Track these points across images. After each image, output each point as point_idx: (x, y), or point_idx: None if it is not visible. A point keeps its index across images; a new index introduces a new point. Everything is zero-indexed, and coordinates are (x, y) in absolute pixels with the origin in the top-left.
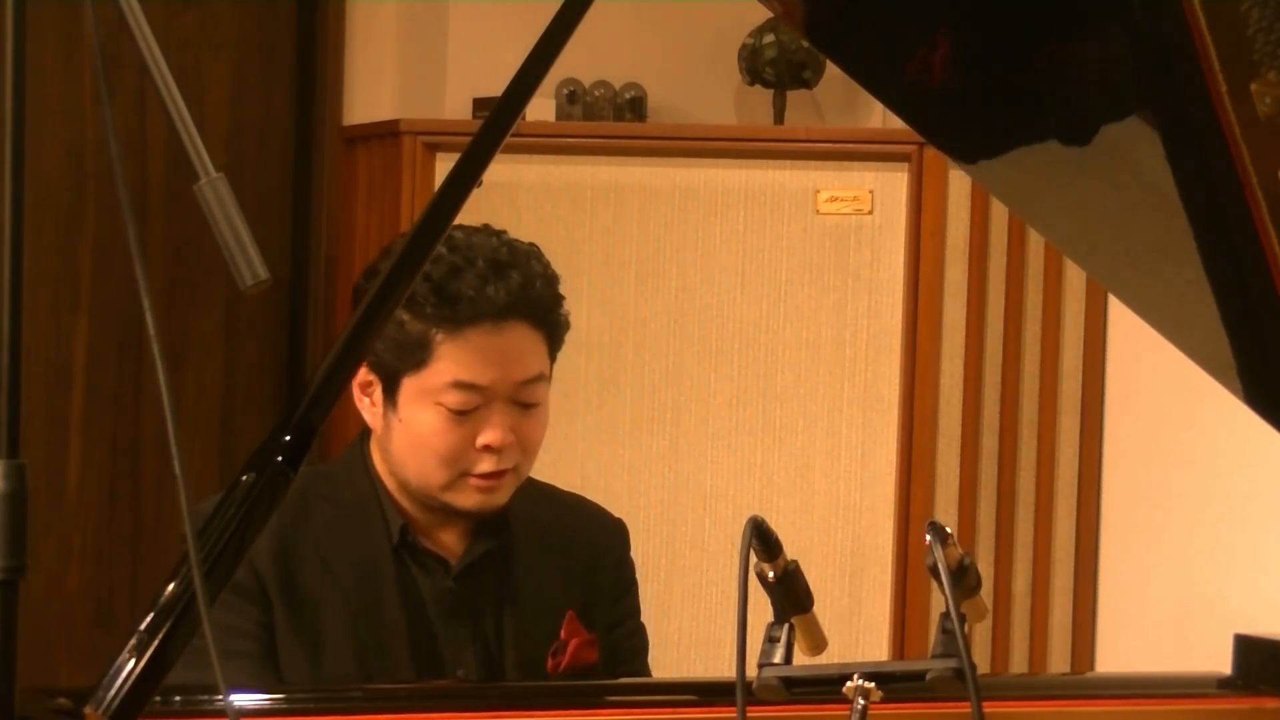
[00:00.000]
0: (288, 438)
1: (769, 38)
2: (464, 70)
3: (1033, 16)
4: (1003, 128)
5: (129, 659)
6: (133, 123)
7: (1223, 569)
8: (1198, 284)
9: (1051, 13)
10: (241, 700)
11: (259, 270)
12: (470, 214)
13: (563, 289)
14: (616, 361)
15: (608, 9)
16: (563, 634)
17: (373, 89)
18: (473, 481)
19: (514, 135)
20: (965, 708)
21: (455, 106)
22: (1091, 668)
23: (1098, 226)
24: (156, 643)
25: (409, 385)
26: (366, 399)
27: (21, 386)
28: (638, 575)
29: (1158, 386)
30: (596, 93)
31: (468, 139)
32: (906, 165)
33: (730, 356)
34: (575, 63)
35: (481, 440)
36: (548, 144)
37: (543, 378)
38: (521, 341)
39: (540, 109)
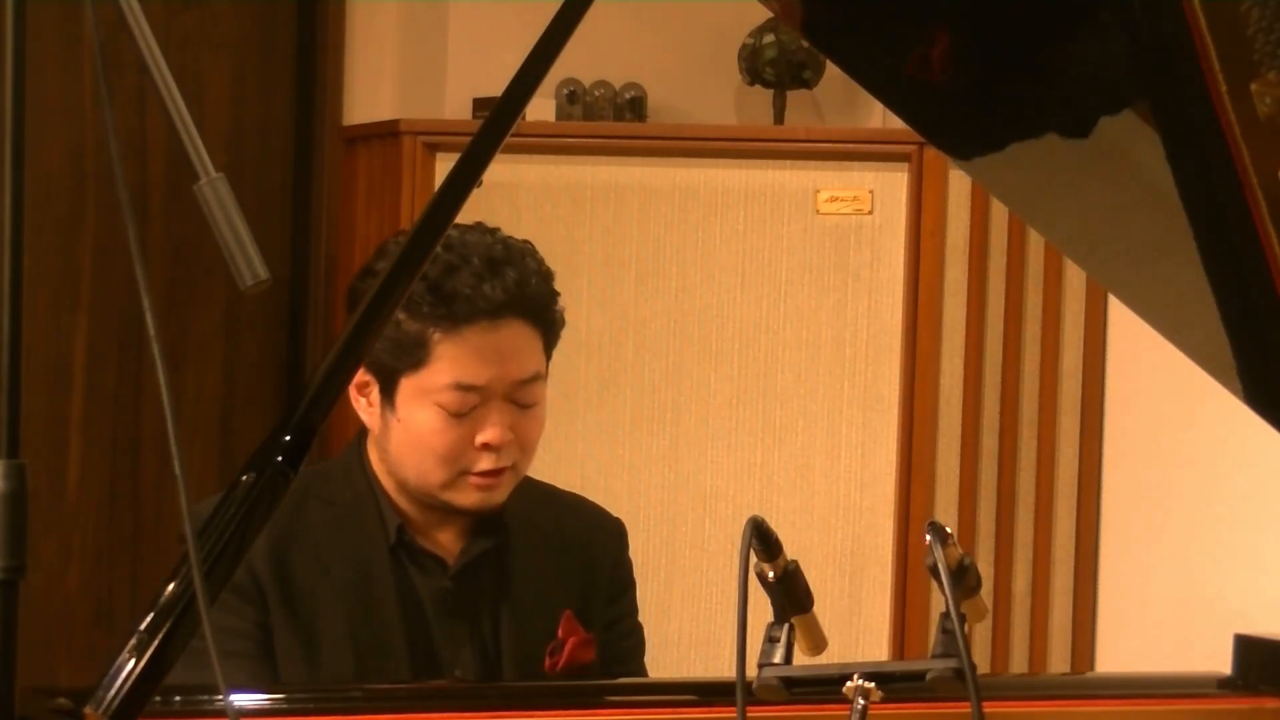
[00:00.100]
0: (288, 438)
1: (769, 38)
2: (464, 70)
3: (1032, 16)
4: (1002, 126)
5: (129, 659)
6: (133, 123)
7: (1223, 569)
8: (1198, 284)
9: (1051, 12)
10: (241, 700)
11: (259, 270)
12: (470, 214)
13: (563, 289)
14: (616, 361)
15: (608, 9)
16: (560, 633)
17: (373, 89)
18: (472, 480)
19: (514, 135)
20: (965, 708)
21: (455, 106)
22: (1091, 668)
23: (1098, 226)
24: (156, 643)
25: (407, 385)
26: (364, 399)
27: (21, 386)
28: (637, 575)
29: (1158, 386)
30: (596, 93)
31: (468, 139)
32: (906, 165)
33: (730, 356)
34: (575, 63)
35: (480, 439)
36: (548, 144)
37: (540, 375)
38: (518, 339)
39: (540, 109)
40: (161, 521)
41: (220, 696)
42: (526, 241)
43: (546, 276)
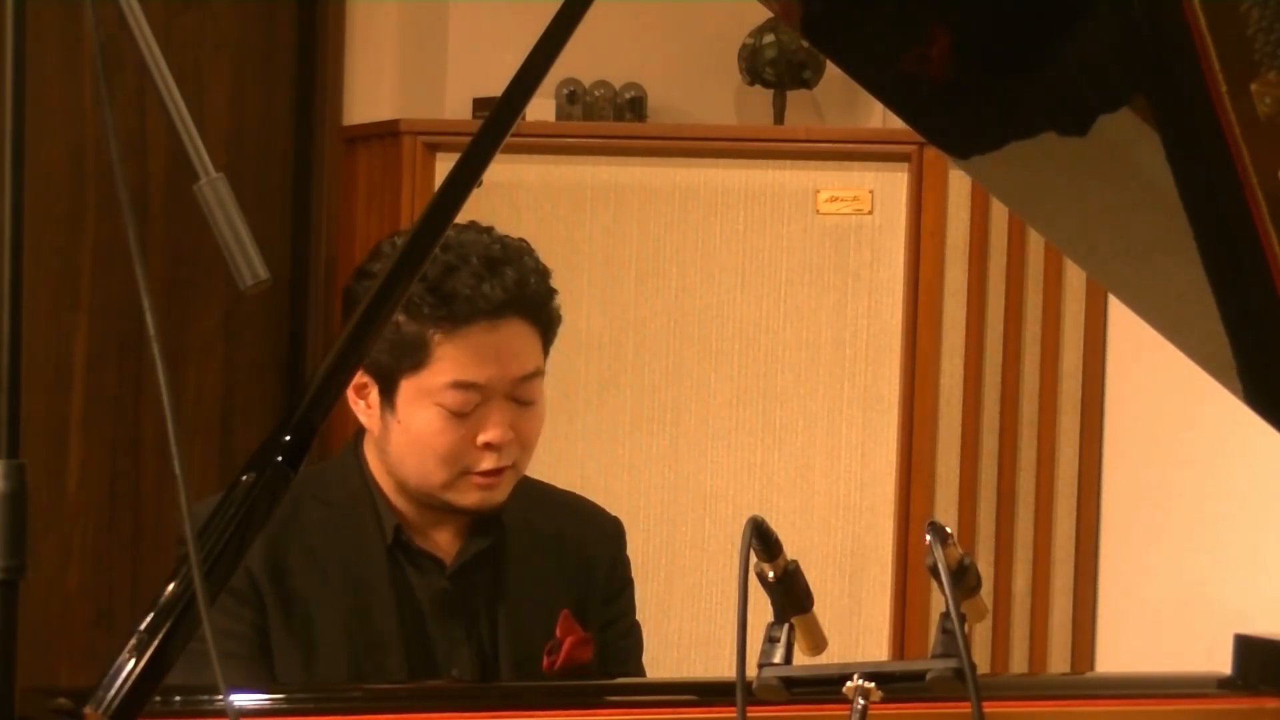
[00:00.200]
0: (288, 438)
1: (769, 38)
2: (464, 70)
3: (1031, 15)
4: (1001, 125)
5: (129, 659)
6: (133, 123)
7: (1223, 569)
8: (1198, 284)
9: (1051, 11)
10: (241, 700)
11: (259, 270)
12: (470, 214)
13: (562, 289)
14: (616, 361)
15: (608, 9)
16: (558, 633)
17: (373, 89)
18: (474, 480)
19: (514, 135)
20: (965, 708)
21: (455, 106)
22: (1091, 668)
23: (1098, 226)
24: (156, 643)
25: (407, 386)
26: (362, 401)
27: (21, 386)
28: (637, 575)
29: (1158, 386)
30: (596, 93)
31: (468, 139)
32: (906, 165)
33: (730, 356)
34: (575, 63)
35: (483, 438)
36: (548, 144)
37: (539, 372)
38: (518, 337)
39: (540, 109)
40: (161, 521)
41: (220, 696)
42: (522, 240)
43: (544, 274)
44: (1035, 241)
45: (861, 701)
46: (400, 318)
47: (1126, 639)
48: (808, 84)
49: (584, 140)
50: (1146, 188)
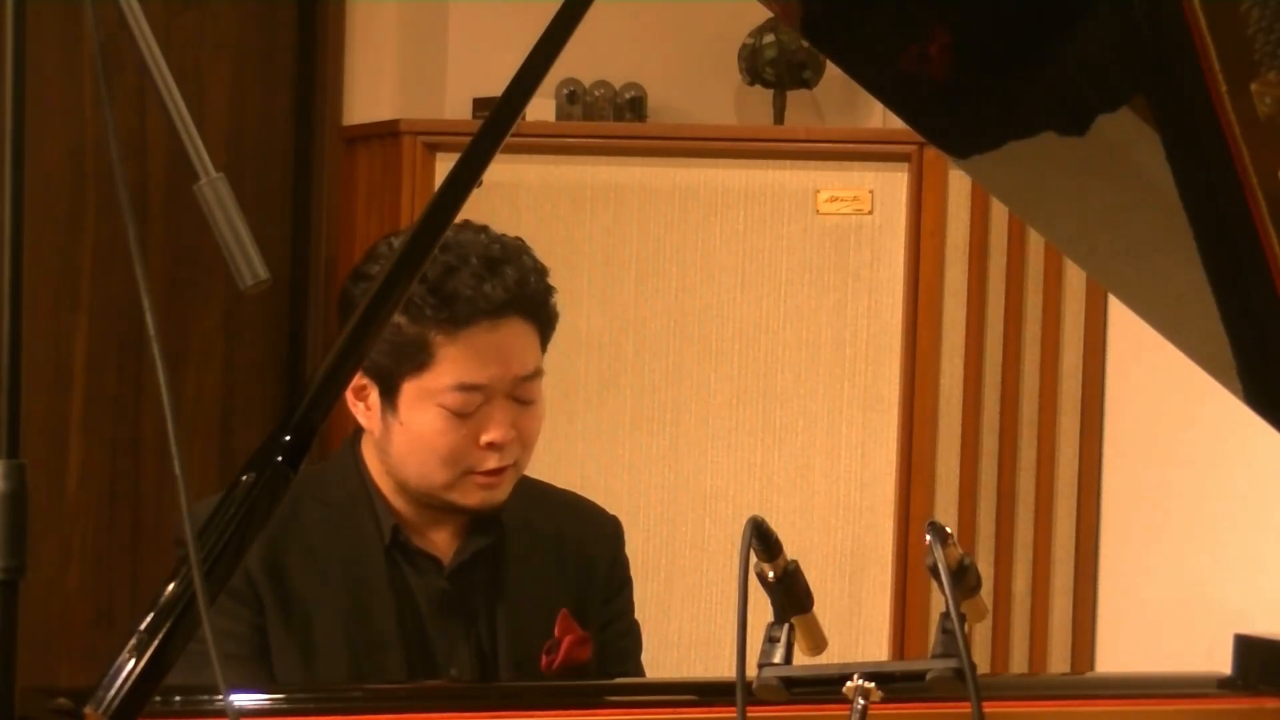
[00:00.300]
0: (288, 438)
1: (769, 38)
2: (464, 70)
3: (1031, 14)
4: (1001, 125)
5: (129, 659)
6: (133, 123)
7: (1223, 569)
8: (1198, 284)
9: (1050, 11)
10: (241, 700)
11: (259, 270)
12: (470, 214)
13: (562, 289)
14: (616, 361)
15: (608, 9)
16: (556, 632)
17: (373, 89)
18: (477, 479)
19: (514, 135)
20: (965, 708)
21: (455, 106)
22: (1091, 668)
23: (1098, 226)
24: (156, 643)
25: (409, 388)
26: (361, 404)
27: (21, 386)
28: (637, 575)
29: (1158, 386)
30: (596, 93)
31: (468, 139)
32: (906, 165)
33: (730, 356)
34: (575, 63)
35: (486, 438)
36: (548, 144)
37: (539, 371)
38: (518, 337)
39: (540, 109)
40: (161, 521)
41: (220, 696)
42: (518, 238)
43: (543, 273)
44: (1035, 241)
45: (861, 701)
46: (401, 319)
47: (1126, 639)
48: (808, 84)
49: (584, 140)
50: (1146, 188)
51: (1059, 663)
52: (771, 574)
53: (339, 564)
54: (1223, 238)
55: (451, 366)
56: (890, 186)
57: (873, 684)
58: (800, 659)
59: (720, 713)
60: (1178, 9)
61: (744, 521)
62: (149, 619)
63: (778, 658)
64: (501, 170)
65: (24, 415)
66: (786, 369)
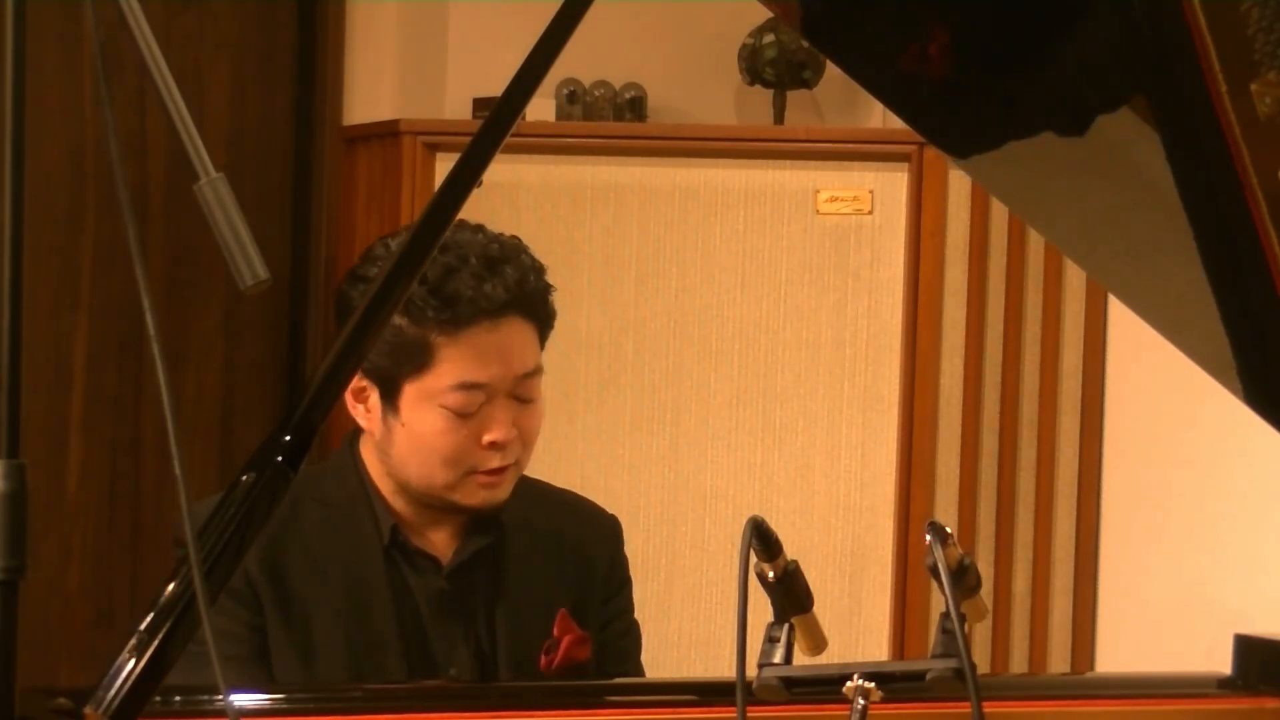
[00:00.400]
0: (288, 438)
1: (769, 38)
2: (464, 70)
3: (1031, 14)
4: (1001, 125)
5: (129, 659)
6: (133, 123)
7: (1223, 569)
8: (1198, 284)
9: (1050, 11)
10: (241, 700)
11: (259, 270)
12: (470, 214)
13: (562, 289)
14: (616, 361)
15: (608, 9)
16: (555, 632)
17: (373, 89)
18: (479, 479)
19: (514, 135)
20: (965, 708)
21: (455, 106)
22: (1091, 668)
23: (1098, 226)
24: (156, 643)
25: (410, 390)
26: (361, 406)
27: (21, 386)
28: (637, 575)
29: (1158, 386)
30: (596, 93)
31: (468, 139)
32: (906, 165)
33: (730, 356)
34: (575, 63)
35: (488, 438)
36: (548, 144)
37: (539, 369)
38: (518, 335)
39: (540, 109)
40: (161, 521)
41: (220, 696)
42: (515, 236)
43: (541, 271)
44: (1035, 241)
45: (861, 701)
46: (401, 321)
47: (1126, 639)
48: (808, 84)
49: (584, 140)
50: (1146, 188)
51: (1059, 663)
52: (771, 574)
53: (338, 564)
54: (1223, 238)
55: (453, 367)
56: (890, 186)
57: (873, 684)
58: (800, 659)
59: (720, 713)
60: (1178, 9)
61: (744, 521)
62: (149, 619)
63: (778, 658)
64: (501, 170)
65: (24, 415)
66: (786, 369)
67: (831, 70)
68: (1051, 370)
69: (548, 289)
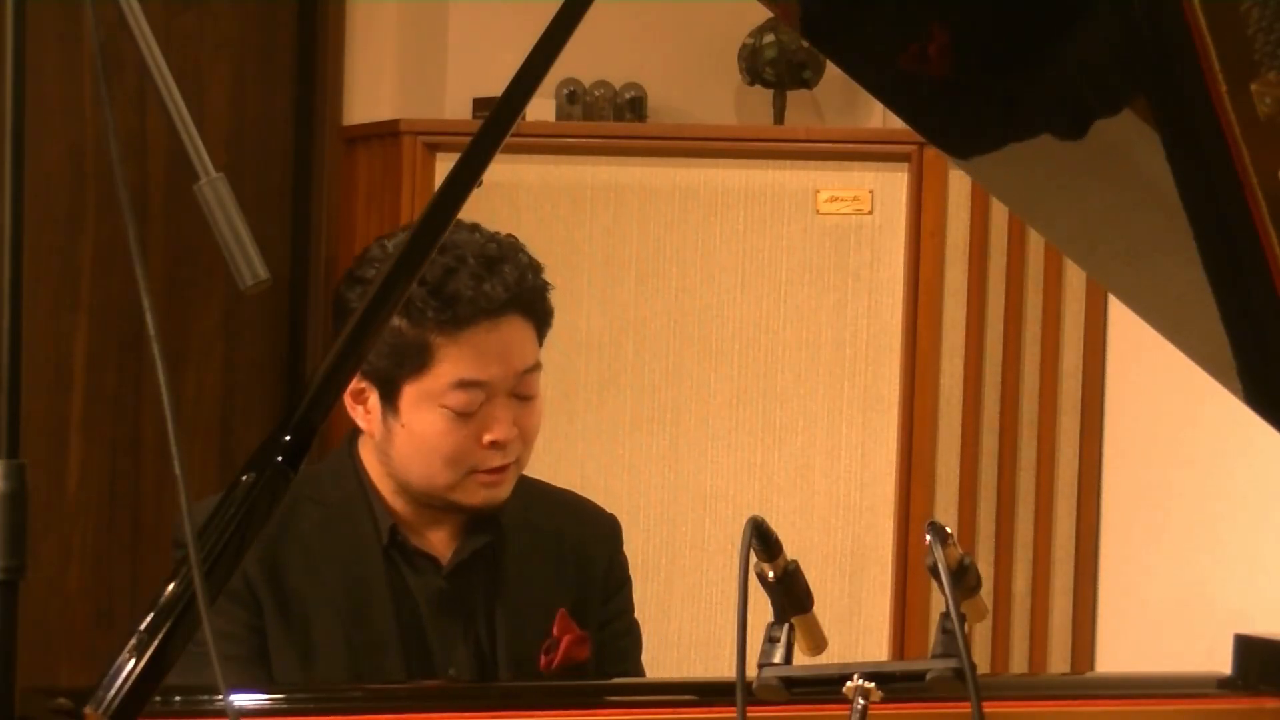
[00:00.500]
0: (288, 438)
1: (769, 38)
2: (464, 70)
3: (1031, 14)
4: (1001, 125)
5: (129, 659)
6: (133, 123)
7: (1223, 569)
8: (1197, 284)
9: (1050, 11)
10: (241, 700)
11: (259, 270)
12: (470, 214)
13: (562, 289)
14: (616, 361)
15: (608, 9)
16: (555, 631)
17: (373, 89)
18: (480, 478)
19: (514, 135)
20: (965, 708)
21: (455, 106)
22: (1091, 668)
23: (1098, 226)
24: (156, 643)
25: (410, 390)
26: (360, 407)
27: (21, 386)
28: (637, 574)
29: (1158, 386)
30: (596, 93)
31: (468, 139)
32: (906, 165)
33: (730, 356)
34: (575, 63)
35: (488, 437)
36: (548, 144)
37: (538, 366)
38: (517, 334)
39: (540, 109)
40: (161, 521)
41: (220, 696)
42: (511, 235)
43: (538, 269)
44: (1035, 241)
45: (861, 701)
46: (401, 322)
47: (1126, 639)
48: (808, 84)
49: (584, 140)
50: (1146, 188)
51: (1059, 663)
52: (771, 574)
53: (337, 564)
54: (1223, 238)
55: (453, 366)
56: (890, 186)
57: (873, 684)
58: (800, 659)
59: (720, 713)
60: (1178, 9)
61: (744, 521)
62: (149, 619)
63: (778, 658)
64: (501, 170)
65: (24, 415)
66: (786, 369)
67: (831, 70)
68: (1051, 370)
69: (545, 287)
